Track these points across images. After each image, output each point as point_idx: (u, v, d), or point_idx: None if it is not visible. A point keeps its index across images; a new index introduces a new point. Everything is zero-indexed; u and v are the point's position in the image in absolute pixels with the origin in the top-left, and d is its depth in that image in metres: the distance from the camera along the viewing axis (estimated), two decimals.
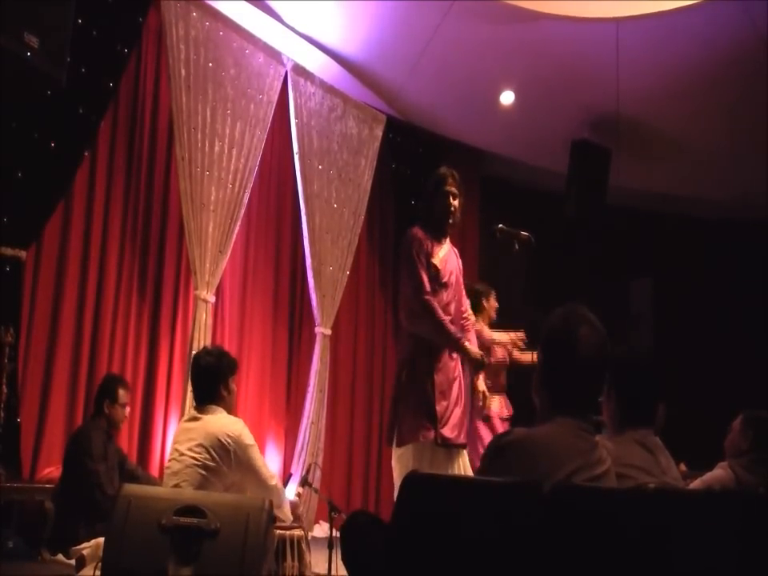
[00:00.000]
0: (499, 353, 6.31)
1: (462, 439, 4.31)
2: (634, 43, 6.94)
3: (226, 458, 3.69)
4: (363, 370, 7.97)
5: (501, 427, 6.04)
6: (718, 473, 3.94)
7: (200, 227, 6.09)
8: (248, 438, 3.76)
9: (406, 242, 4.37)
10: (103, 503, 4.61)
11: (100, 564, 2.88)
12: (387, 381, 7.72)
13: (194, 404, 4.02)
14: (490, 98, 7.78)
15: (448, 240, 4.50)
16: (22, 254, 5.26)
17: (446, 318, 4.24)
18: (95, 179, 5.93)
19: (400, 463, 4.23)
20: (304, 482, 5.71)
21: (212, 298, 6.16)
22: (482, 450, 6.09)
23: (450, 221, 4.44)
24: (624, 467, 2.36)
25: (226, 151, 6.33)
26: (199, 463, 3.68)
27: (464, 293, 4.60)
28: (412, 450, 4.18)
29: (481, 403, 4.55)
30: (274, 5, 6.59)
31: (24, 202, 5.24)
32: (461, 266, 4.61)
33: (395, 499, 2.19)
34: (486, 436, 5.93)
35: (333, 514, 4.89)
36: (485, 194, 8.78)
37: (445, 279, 4.36)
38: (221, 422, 3.77)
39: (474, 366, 4.40)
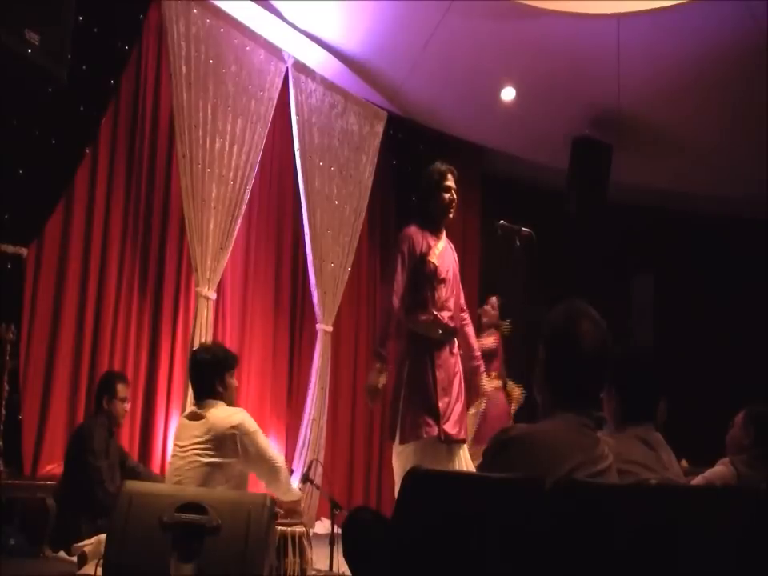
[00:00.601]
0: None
1: (462, 435, 4.33)
2: (634, 40, 6.93)
3: (232, 448, 3.70)
4: (364, 367, 7.94)
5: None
6: (720, 469, 3.94)
7: (201, 224, 6.09)
8: (251, 425, 3.78)
9: (397, 242, 4.42)
10: (104, 500, 4.63)
11: (102, 561, 2.89)
12: (388, 377, 7.71)
13: (194, 400, 4.04)
14: (491, 95, 7.77)
15: (444, 234, 4.52)
16: (23, 251, 5.26)
17: (389, 332, 4.34)
18: (96, 176, 5.92)
19: (400, 459, 4.24)
20: (305, 479, 5.72)
21: (213, 295, 6.16)
22: None
23: (450, 216, 4.48)
24: (625, 463, 2.36)
25: (227, 148, 6.32)
26: (202, 459, 3.69)
27: (461, 287, 4.63)
28: (413, 446, 4.19)
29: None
30: (274, 2, 6.58)
31: (25, 200, 5.23)
32: (457, 260, 4.63)
33: (396, 495, 2.19)
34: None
35: (334, 510, 4.90)
36: (486, 191, 8.78)
37: (443, 275, 4.38)
38: (224, 414, 3.79)
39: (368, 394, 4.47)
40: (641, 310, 9.50)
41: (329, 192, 7.28)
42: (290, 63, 6.98)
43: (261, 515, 2.86)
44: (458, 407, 4.33)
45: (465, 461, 4.31)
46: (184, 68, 6.04)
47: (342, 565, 4.08)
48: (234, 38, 6.48)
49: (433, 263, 4.34)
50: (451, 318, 4.38)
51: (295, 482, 6.32)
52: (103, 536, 3.31)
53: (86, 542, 4.19)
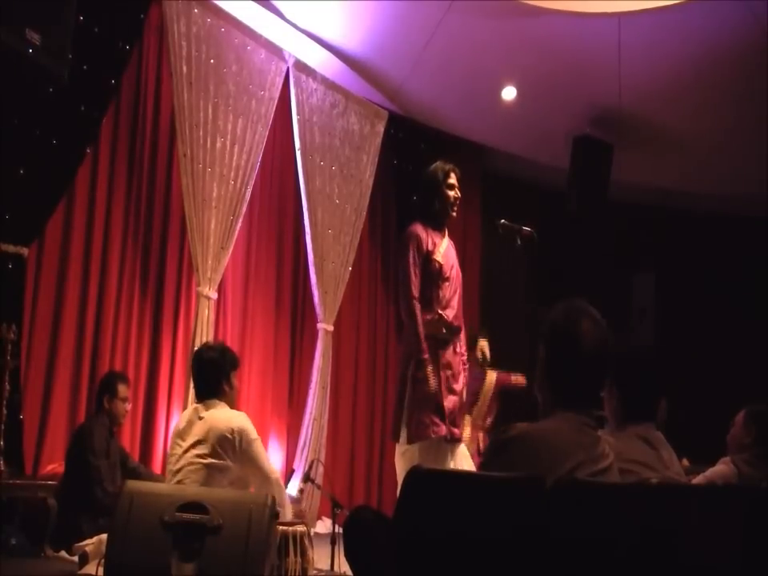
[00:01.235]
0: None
1: (461, 433, 4.37)
2: (635, 39, 6.92)
3: (231, 452, 3.71)
4: (365, 366, 7.97)
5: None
6: (721, 468, 3.94)
7: (202, 224, 6.09)
8: (252, 432, 3.78)
9: (404, 240, 4.40)
10: (103, 499, 4.64)
11: (103, 560, 2.89)
12: (390, 376, 7.72)
13: (196, 399, 4.02)
14: (492, 94, 7.77)
15: (446, 233, 4.53)
16: (24, 250, 5.26)
17: (423, 331, 4.22)
18: (97, 176, 5.92)
19: (405, 459, 4.23)
20: (306, 478, 5.73)
21: (214, 295, 6.16)
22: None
23: (453, 214, 4.49)
24: (626, 462, 2.36)
25: (228, 148, 6.33)
26: (203, 460, 3.69)
27: (461, 284, 4.64)
28: (419, 446, 4.18)
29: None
30: (275, 1, 6.58)
31: (26, 199, 5.23)
32: (456, 257, 4.65)
33: (398, 495, 2.19)
34: None
35: (335, 509, 4.91)
36: (486, 190, 8.78)
37: (447, 274, 4.39)
38: (225, 416, 3.79)
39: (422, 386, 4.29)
40: (641, 309, 9.50)
41: (330, 191, 7.28)
42: (290, 63, 6.98)
43: (262, 515, 2.86)
44: (461, 406, 4.36)
45: (463, 456, 4.32)
46: (185, 67, 6.04)
47: (343, 564, 4.08)
48: (235, 38, 6.48)
49: (438, 262, 4.35)
50: (455, 316, 4.39)
51: (296, 482, 6.33)
52: (104, 536, 3.31)
53: (86, 541, 4.20)
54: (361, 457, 7.81)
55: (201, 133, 6.11)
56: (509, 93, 7.76)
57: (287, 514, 3.92)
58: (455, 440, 4.26)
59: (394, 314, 7.93)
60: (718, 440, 4.24)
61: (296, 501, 5.54)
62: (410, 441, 4.20)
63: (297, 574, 3.76)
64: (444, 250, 4.42)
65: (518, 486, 1.95)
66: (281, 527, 3.71)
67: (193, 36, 6.11)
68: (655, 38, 6.95)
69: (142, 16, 6.00)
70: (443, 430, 4.16)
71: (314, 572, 4.31)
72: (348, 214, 7.45)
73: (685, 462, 5.54)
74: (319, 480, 6.22)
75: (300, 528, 3.85)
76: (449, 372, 4.28)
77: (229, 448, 3.71)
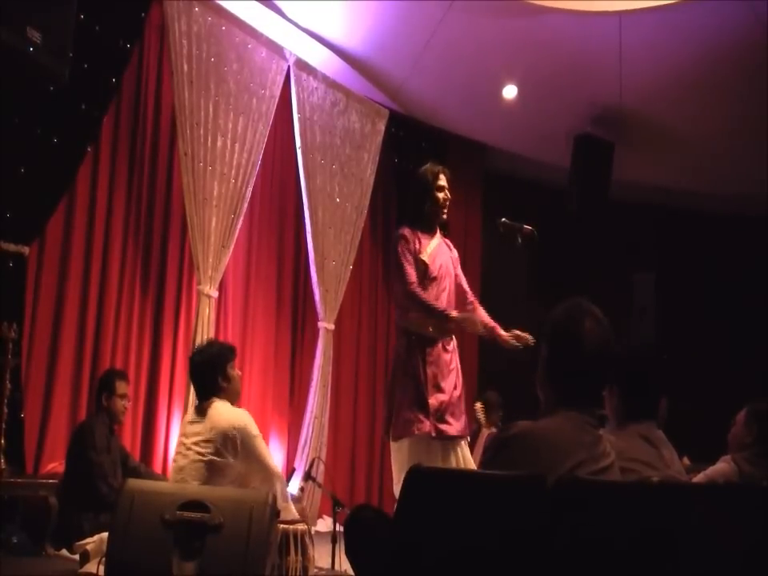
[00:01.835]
0: None
1: (460, 431, 4.31)
2: (637, 37, 6.92)
3: (232, 449, 3.73)
4: (366, 365, 7.98)
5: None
6: (722, 466, 3.94)
7: (203, 222, 6.09)
8: (253, 429, 3.81)
9: (393, 243, 4.46)
10: (108, 495, 4.65)
11: (104, 559, 2.89)
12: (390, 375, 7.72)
13: (196, 400, 4.05)
14: (493, 93, 7.76)
15: (438, 233, 4.54)
16: (25, 249, 5.26)
17: (433, 304, 4.27)
18: (98, 175, 5.92)
19: (396, 456, 4.26)
20: (307, 477, 5.73)
21: (215, 293, 6.16)
22: None
23: (444, 216, 4.51)
24: (627, 461, 2.36)
25: (229, 146, 6.32)
26: (205, 459, 3.70)
27: (464, 281, 4.64)
28: (408, 443, 4.20)
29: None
30: (276, 0, 6.57)
31: (26, 198, 5.23)
32: (456, 256, 4.65)
33: (396, 493, 2.19)
34: None
35: (336, 508, 4.90)
36: (487, 188, 8.78)
37: (434, 274, 4.41)
38: (226, 414, 3.81)
39: (471, 330, 4.43)
40: (642, 308, 9.49)
41: (330, 190, 7.28)
42: (291, 61, 6.98)
43: (263, 513, 2.86)
44: (454, 403, 4.32)
45: (463, 457, 4.30)
46: (185, 66, 6.04)
47: (344, 563, 4.09)
48: (236, 36, 6.47)
49: (423, 261, 4.37)
50: None
51: (297, 481, 6.33)
52: (105, 534, 3.31)
53: (87, 540, 4.19)
54: (362, 455, 7.81)
55: (201, 131, 6.11)
56: (510, 91, 7.76)
57: (291, 509, 3.93)
58: (445, 438, 4.23)
59: (394, 312, 7.92)
60: (718, 439, 4.24)
61: (297, 499, 5.53)
62: (395, 438, 4.23)
63: (298, 572, 3.76)
64: (432, 250, 4.44)
65: (519, 484, 1.95)
66: (282, 526, 3.72)
67: (193, 34, 6.11)
68: (656, 37, 6.95)
69: (142, 15, 5.99)
70: (427, 426, 4.15)
71: (315, 570, 4.31)
72: (349, 212, 7.45)
73: (685, 460, 5.54)
74: (320, 478, 6.22)
75: (301, 526, 3.85)
76: (435, 369, 4.28)
77: (230, 445, 3.72)
